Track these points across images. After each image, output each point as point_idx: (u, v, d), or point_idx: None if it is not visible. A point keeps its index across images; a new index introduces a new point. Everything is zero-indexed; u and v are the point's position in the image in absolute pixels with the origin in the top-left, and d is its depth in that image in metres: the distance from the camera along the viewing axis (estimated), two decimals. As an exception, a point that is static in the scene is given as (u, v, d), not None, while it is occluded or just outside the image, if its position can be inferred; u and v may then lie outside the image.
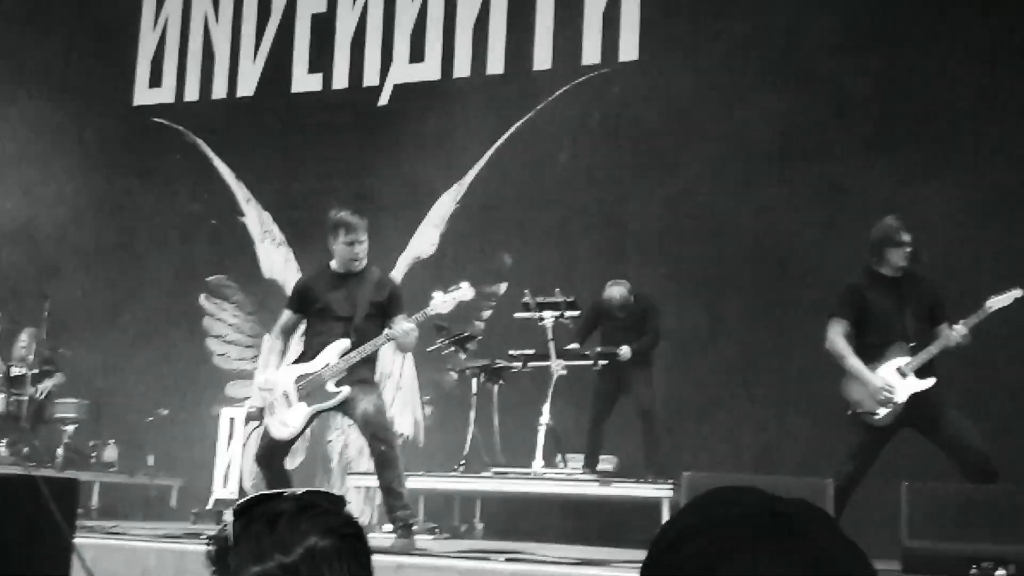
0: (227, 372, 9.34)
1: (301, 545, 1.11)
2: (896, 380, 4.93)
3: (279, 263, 9.32)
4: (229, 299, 9.48)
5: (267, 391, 5.25)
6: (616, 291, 6.97)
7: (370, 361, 5.24)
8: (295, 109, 9.38)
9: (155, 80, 10.17)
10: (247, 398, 8.89)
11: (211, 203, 9.65)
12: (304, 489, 1.19)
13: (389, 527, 5.43)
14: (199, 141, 9.80)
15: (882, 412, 4.92)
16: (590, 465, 6.87)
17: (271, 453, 5.25)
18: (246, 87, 9.76)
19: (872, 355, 5.01)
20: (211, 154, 9.73)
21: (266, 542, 1.11)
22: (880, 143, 7.16)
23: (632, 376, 6.94)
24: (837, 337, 5.10)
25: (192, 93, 10.00)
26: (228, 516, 1.13)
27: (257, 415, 8.17)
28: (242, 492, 7.82)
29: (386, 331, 5.08)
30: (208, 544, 1.18)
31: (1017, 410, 6.35)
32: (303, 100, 9.43)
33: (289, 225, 9.22)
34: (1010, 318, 5.12)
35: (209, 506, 7.78)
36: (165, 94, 10.11)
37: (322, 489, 1.21)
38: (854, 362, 5.01)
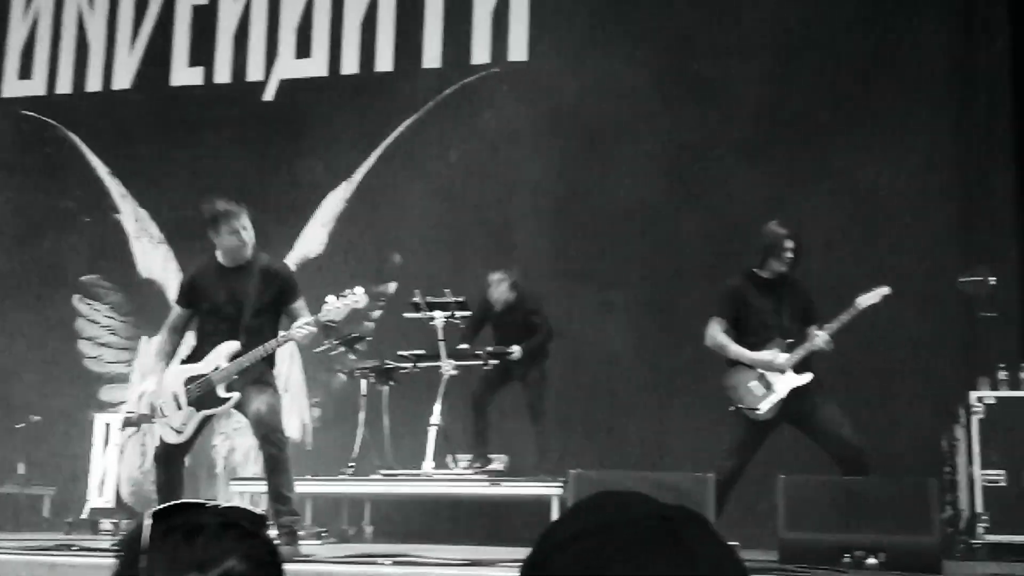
0: (101, 376, 9.05)
1: (219, 566, 1.08)
2: (775, 376, 5.15)
3: (157, 262, 9.09)
4: (103, 300, 9.20)
5: (155, 392, 5.08)
6: (499, 287, 7.05)
7: (267, 359, 5.08)
8: (175, 103, 9.16)
9: (25, 71, 9.81)
10: (122, 403, 8.71)
11: (84, 200, 9.34)
12: (228, 504, 1.17)
13: (274, 533, 5.36)
14: (72, 135, 9.47)
15: (764, 407, 5.12)
16: (478, 450, 6.84)
17: (169, 454, 5.09)
18: (122, 80, 9.48)
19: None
20: (85, 149, 9.42)
21: (183, 554, 1.08)
22: (762, 146, 7.44)
23: (522, 372, 6.99)
24: (717, 333, 5.30)
25: (65, 85, 9.68)
26: (147, 518, 1.08)
27: (135, 420, 7.94)
28: (119, 501, 7.62)
29: (283, 333, 4.95)
30: (119, 543, 1.16)
31: (889, 404, 6.72)
32: (183, 94, 9.22)
33: (168, 223, 8.98)
34: (880, 315, 5.41)
35: (84, 515, 7.57)
36: (36, 86, 9.76)
37: (244, 506, 1.19)
38: (736, 348, 5.21)
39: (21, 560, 4.72)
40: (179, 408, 4.99)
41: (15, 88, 9.82)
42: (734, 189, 7.27)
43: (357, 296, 4.96)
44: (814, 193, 6.98)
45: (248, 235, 5.03)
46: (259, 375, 5.02)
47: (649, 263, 7.58)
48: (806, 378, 5.15)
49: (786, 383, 5.13)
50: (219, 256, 5.13)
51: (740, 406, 5.16)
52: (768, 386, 5.18)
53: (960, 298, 6.38)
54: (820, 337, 5.15)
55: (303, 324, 4.88)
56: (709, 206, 7.41)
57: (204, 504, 1.13)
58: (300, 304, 5.06)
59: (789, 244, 5.37)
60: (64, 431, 8.37)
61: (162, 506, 1.12)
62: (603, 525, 0.87)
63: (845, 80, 7.47)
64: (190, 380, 5.01)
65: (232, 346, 4.95)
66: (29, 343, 8.94)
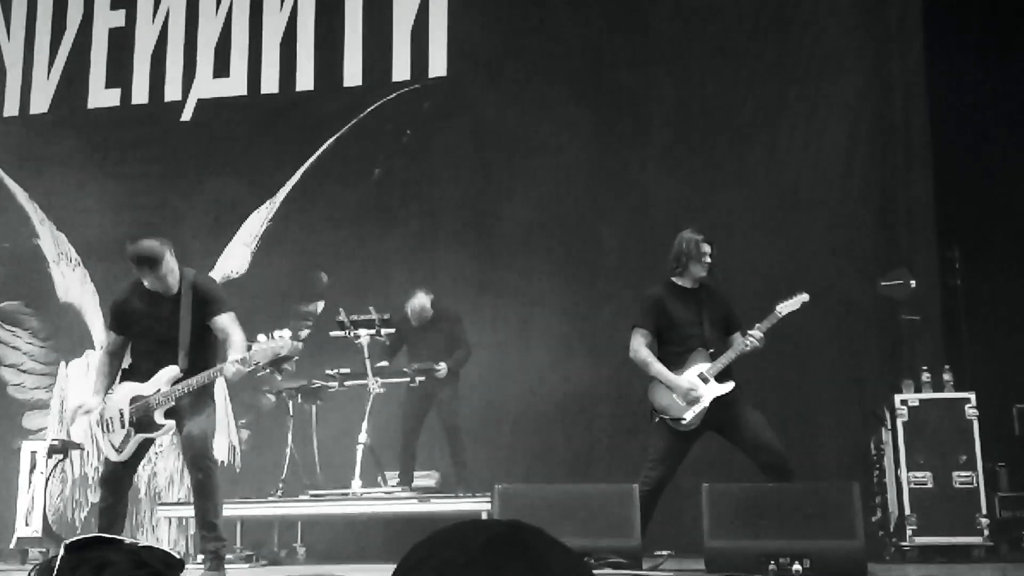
0: (24, 402, 8.65)
1: None
2: (699, 384, 4.98)
3: (75, 285, 8.73)
4: (23, 326, 8.82)
5: (94, 411, 4.83)
6: (416, 302, 6.89)
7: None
8: (92, 125, 8.81)
9: (-57, 97, 9.38)
10: (43, 429, 8.36)
11: (3, 225, 8.93)
12: (145, 544, 1.13)
13: (201, 557, 5.09)
14: (-11, 161, 9.08)
15: (688, 416, 4.94)
16: (406, 483, 6.71)
17: (114, 475, 4.83)
18: (40, 103, 9.12)
19: (675, 362, 5.03)
20: (2, 174, 9.02)
21: None
22: (679, 153, 7.31)
23: (439, 391, 6.83)
24: (640, 347, 5.11)
25: None
26: (61, 549, 1.07)
27: (60, 448, 7.59)
28: (47, 529, 7.28)
29: (219, 366, 4.71)
30: (31, 574, 1.13)
31: (814, 409, 6.59)
32: (100, 116, 8.88)
33: (85, 246, 8.61)
34: (802, 319, 5.27)
35: (11, 545, 7.20)
36: None
37: (163, 548, 1.11)
38: (659, 368, 5.03)
39: None
40: (122, 426, 4.79)
41: (-68, 114, 9.39)
42: (652, 197, 7.13)
43: (283, 343, 4.67)
44: (732, 198, 6.85)
45: (172, 279, 4.82)
46: (195, 397, 4.78)
47: (571, 274, 7.39)
48: (729, 387, 4.98)
49: (709, 392, 4.96)
50: (146, 282, 4.88)
51: (664, 416, 4.97)
52: (691, 400, 5.01)
53: (882, 301, 6.29)
54: (751, 336, 4.98)
55: (233, 362, 4.64)
56: (628, 215, 7.26)
57: (120, 541, 1.11)
58: (225, 320, 4.79)
59: (706, 249, 5.20)
60: (-10, 459, 7.96)
61: (77, 539, 1.10)
62: (453, 541, 0.93)
63: (760, 83, 7.32)
64: (133, 400, 4.79)
65: (173, 371, 4.74)
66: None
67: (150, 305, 4.85)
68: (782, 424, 5.34)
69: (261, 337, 4.72)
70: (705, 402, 4.94)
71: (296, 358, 7.01)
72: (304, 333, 7.91)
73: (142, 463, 7.52)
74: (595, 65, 7.56)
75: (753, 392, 5.21)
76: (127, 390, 4.85)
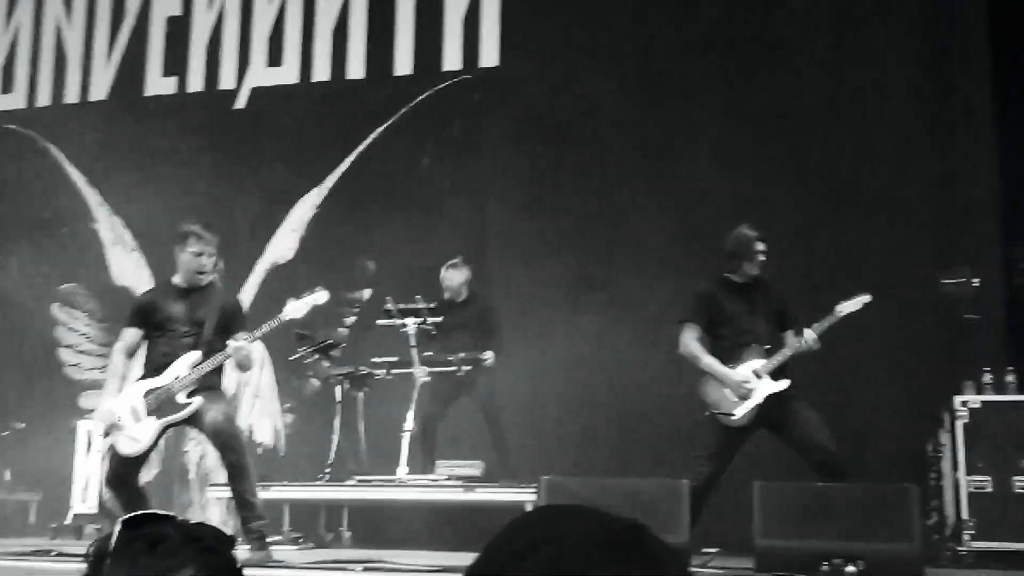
0: (80, 383, 8.73)
1: (176, 575, 1.06)
2: (752, 379, 4.81)
3: (130, 269, 8.76)
4: (81, 308, 8.89)
5: (109, 414, 4.81)
6: (458, 275, 6.77)
7: (217, 371, 4.93)
8: (149, 113, 8.82)
9: (6, 86, 9.50)
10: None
11: (63, 210, 8.99)
12: (196, 521, 1.15)
13: (244, 538, 5.07)
14: (50, 147, 9.13)
15: (740, 412, 4.78)
16: (424, 468, 6.48)
17: (122, 473, 4.84)
18: (99, 91, 9.16)
19: (728, 358, 4.89)
20: (63, 159, 9.08)
21: (142, 562, 1.06)
22: (733, 146, 7.08)
23: (475, 379, 6.66)
24: (690, 341, 4.97)
25: (44, 98, 9.36)
26: (116, 526, 1.08)
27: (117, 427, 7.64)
28: (102, 507, 7.35)
29: (228, 349, 4.75)
30: (89, 549, 1.13)
31: (871, 409, 6.32)
32: (157, 103, 8.89)
33: (141, 231, 8.63)
34: (860, 317, 5.06)
35: (68, 521, 7.31)
36: (17, 99, 9.44)
37: (212, 525, 1.16)
38: (710, 361, 4.87)
39: (1, 565, 4.66)
40: (137, 420, 4.77)
41: (-3, 102, 9.49)
42: (703, 191, 6.91)
43: (317, 294, 4.82)
44: (788, 194, 6.62)
45: (210, 263, 4.91)
46: (211, 384, 4.87)
47: (619, 267, 7.22)
48: (783, 384, 4.81)
49: (763, 389, 4.78)
50: (176, 278, 5.00)
51: (715, 412, 4.80)
52: (744, 392, 4.83)
53: (942, 300, 6.02)
54: (808, 335, 4.81)
55: (240, 338, 4.75)
56: (677, 208, 7.04)
57: (173, 517, 1.12)
58: (245, 336, 4.86)
59: (760, 247, 5.07)
60: (48, 438, 8.01)
61: (132, 515, 1.11)
62: (561, 533, 0.86)
63: (817, 75, 7.07)
64: (149, 392, 4.80)
65: (194, 356, 4.79)
66: (11, 352, 8.65)
67: (178, 302, 4.91)
68: (836, 423, 5.12)
69: (290, 300, 4.80)
70: (758, 398, 4.78)
71: (343, 344, 7.03)
72: (350, 320, 7.88)
73: (190, 445, 7.61)
74: (646, 56, 7.35)
75: (807, 389, 5.02)
76: (139, 387, 4.87)
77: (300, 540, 6.41)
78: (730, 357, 4.90)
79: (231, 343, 4.72)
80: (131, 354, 5.02)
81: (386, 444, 6.57)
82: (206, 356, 4.78)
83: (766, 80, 7.09)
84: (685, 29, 7.29)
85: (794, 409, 4.79)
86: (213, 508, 7.42)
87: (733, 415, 4.76)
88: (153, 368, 4.90)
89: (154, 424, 4.76)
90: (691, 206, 6.96)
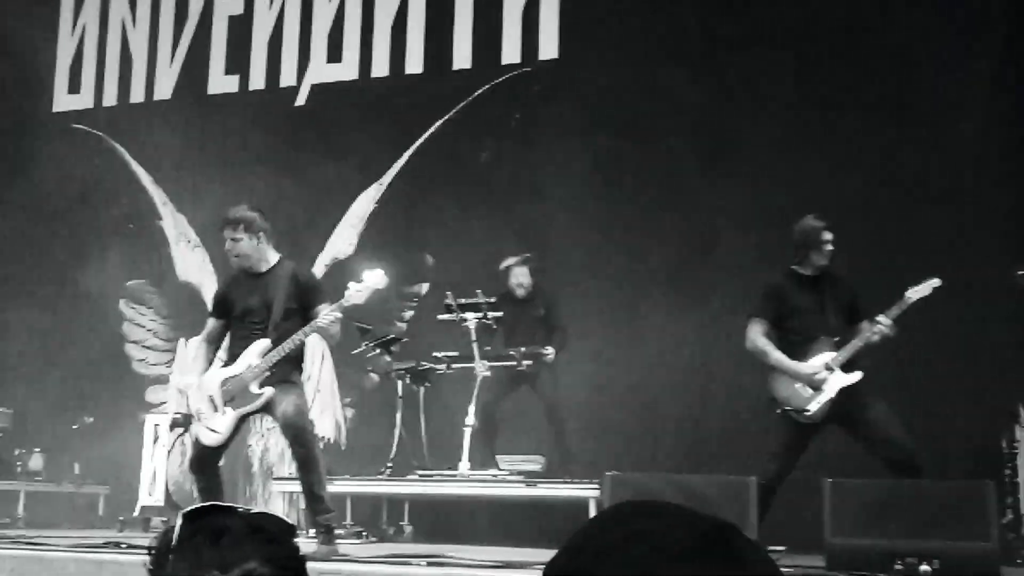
0: (146, 377, 8.90)
1: (240, 567, 1.06)
2: (824, 373, 4.70)
3: (194, 266, 8.91)
4: (148, 304, 9.06)
5: (188, 396, 4.96)
6: (515, 271, 6.75)
7: (293, 360, 4.92)
8: (212, 111, 8.94)
9: (74, 86, 9.70)
10: (164, 403, 8.58)
11: (129, 207, 9.18)
12: (258, 511, 1.14)
13: (312, 531, 5.10)
14: (117, 146, 9.32)
15: (813, 408, 4.66)
16: (484, 464, 6.46)
17: (203, 459, 4.92)
18: (163, 90, 9.33)
19: (797, 352, 4.78)
20: (129, 158, 9.26)
21: (206, 555, 1.07)
22: (796, 137, 6.94)
23: (537, 374, 6.62)
24: (757, 336, 4.87)
25: (110, 98, 9.56)
26: (179, 518, 1.08)
27: (182, 422, 7.76)
28: (168, 499, 7.47)
29: (311, 323, 4.74)
30: (152, 543, 1.14)
31: (944, 404, 6.14)
32: (220, 102, 9.00)
33: (204, 227, 8.73)
34: (933, 310, 4.92)
35: (135, 513, 7.44)
36: (84, 100, 9.65)
37: (276, 515, 1.15)
38: (778, 356, 4.77)
39: (70, 557, 4.70)
40: (215, 410, 4.83)
41: (65, 103, 9.74)
42: (769, 181, 6.77)
43: (376, 277, 4.77)
44: (856, 183, 6.45)
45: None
46: (285, 376, 4.85)
47: (683, 261, 7.11)
48: (855, 377, 4.68)
49: (835, 383, 4.66)
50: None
51: (787, 408, 4.70)
52: (816, 386, 4.72)
53: (1017, 293, 5.81)
54: (880, 324, 4.68)
55: (328, 311, 4.70)
56: (743, 200, 6.91)
57: (235, 508, 1.12)
58: (325, 307, 4.84)
59: (827, 237, 4.94)
60: (116, 432, 8.16)
61: (193, 507, 1.11)
62: (649, 532, 0.84)
63: (887, 64, 6.86)
64: (224, 382, 4.85)
65: (263, 343, 4.79)
66: (81, 347, 8.82)
67: (248, 287, 4.94)
68: (908, 418, 4.97)
69: (351, 284, 4.77)
70: (830, 392, 4.66)
71: (404, 339, 7.05)
72: (409, 315, 7.89)
73: (254, 439, 7.69)
74: (710, 45, 7.23)
75: (878, 384, 4.88)
76: (216, 375, 4.92)
77: (363, 534, 6.43)
78: (799, 351, 4.78)
79: (321, 316, 4.69)
80: (213, 342, 5.10)
81: (447, 439, 6.57)
82: (277, 341, 4.77)
83: (834, 68, 6.92)
84: (751, 17, 7.14)
85: (866, 403, 4.67)
86: (276, 501, 7.51)
87: (806, 411, 4.65)
88: (232, 357, 4.96)
89: (231, 414, 4.81)
90: (757, 198, 6.83)
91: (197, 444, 4.93)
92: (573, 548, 0.86)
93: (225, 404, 4.81)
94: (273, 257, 4.98)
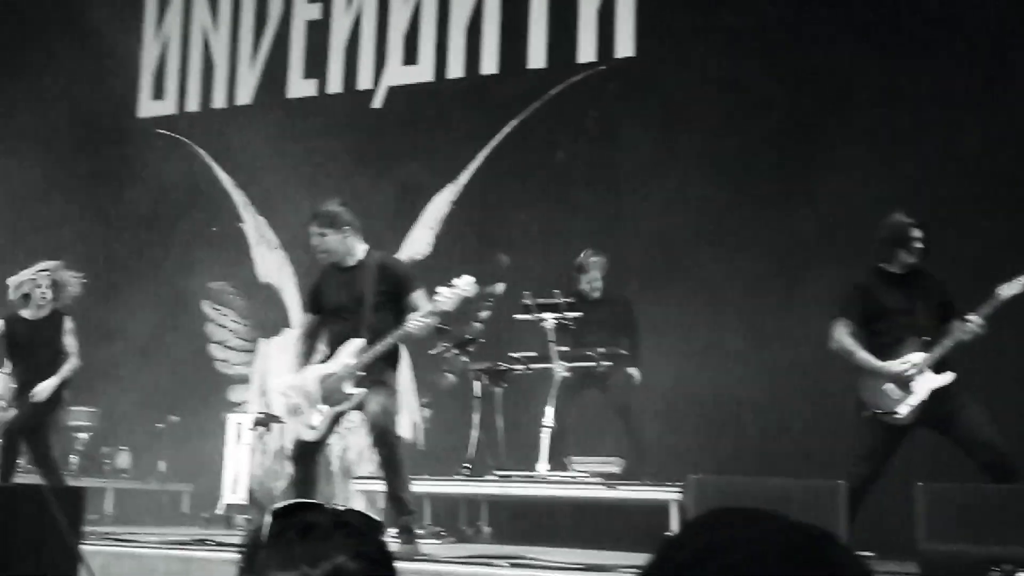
0: (229, 377, 9.13)
1: (329, 561, 1.07)
2: (914, 375, 4.58)
3: (274, 267, 9.11)
4: (229, 305, 9.29)
5: (287, 394, 5.01)
6: (591, 271, 6.76)
7: (388, 360, 4.95)
8: (291, 115, 9.11)
9: (158, 92, 9.99)
10: (244, 402, 8.79)
11: (212, 210, 9.42)
12: (344, 507, 1.18)
13: (394, 532, 5.16)
14: (200, 150, 9.57)
15: (903, 411, 4.55)
16: (561, 465, 6.43)
17: (302, 454, 5.03)
18: (244, 95, 9.55)
19: (886, 352, 4.66)
20: (211, 162, 9.51)
21: (295, 550, 1.08)
22: (883, 133, 6.78)
23: (610, 376, 6.59)
24: (843, 336, 4.76)
25: (193, 103, 9.82)
26: (267, 516, 1.10)
27: (264, 420, 7.92)
28: (251, 497, 7.61)
29: (403, 327, 4.77)
30: (242, 540, 1.17)
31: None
32: (298, 105, 9.18)
33: (284, 229, 8.95)
34: (1021, 308, 4.75)
35: (219, 511, 7.64)
36: (168, 106, 9.93)
37: (360, 510, 1.17)
38: (865, 357, 4.66)
39: (159, 554, 4.85)
40: (312, 407, 4.92)
41: (149, 109, 10.02)
42: (854, 179, 6.61)
43: (466, 284, 4.77)
44: (946, 179, 6.27)
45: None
46: (379, 376, 4.90)
47: (763, 259, 7.00)
48: (948, 378, 4.55)
49: (926, 384, 4.54)
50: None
51: (876, 411, 4.59)
52: (906, 387, 4.60)
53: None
54: (972, 322, 4.54)
55: (418, 317, 4.73)
56: (827, 198, 6.76)
57: (322, 505, 1.14)
58: (418, 294, 4.91)
59: (917, 234, 4.81)
60: (200, 431, 8.40)
61: (282, 504, 1.13)
62: (744, 538, 0.83)
63: (978, 57, 6.65)
64: (322, 379, 4.92)
65: (357, 343, 4.85)
66: (166, 348, 9.06)
67: (338, 282, 4.99)
68: (1002, 420, 4.82)
69: (441, 289, 4.77)
70: (921, 395, 4.54)
71: (481, 340, 7.08)
72: (485, 315, 7.91)
73: (332, 437, 7.81)
74: (792, 40, 7.10)
75: (972, 384, 4.74)
76: (313, 372, 4.98)
77: (442, 534, 6.47)
78: (888, 352, 4.67)
79: (411, 320, 4.73)
80: (309, 337, 5.18)
81: (524, 439, 6.58)
82: (371, 337, 4.82)
83: (923, 61, 6.73)
84: (836, 9, 7.00)
85: (960, 405, 4.54)
86: (356, 501, 7.61)
87: (896, 413, 4.54)
88: (329, 353, 5.02)
89: (327, 411, 4.89)
90: (844, 194, 6.67)
91: (296, 440, 5.03)
92: (665, 553, 0.86)
93: (321, 402, 4.89)
94: (360, 250, 5.03)
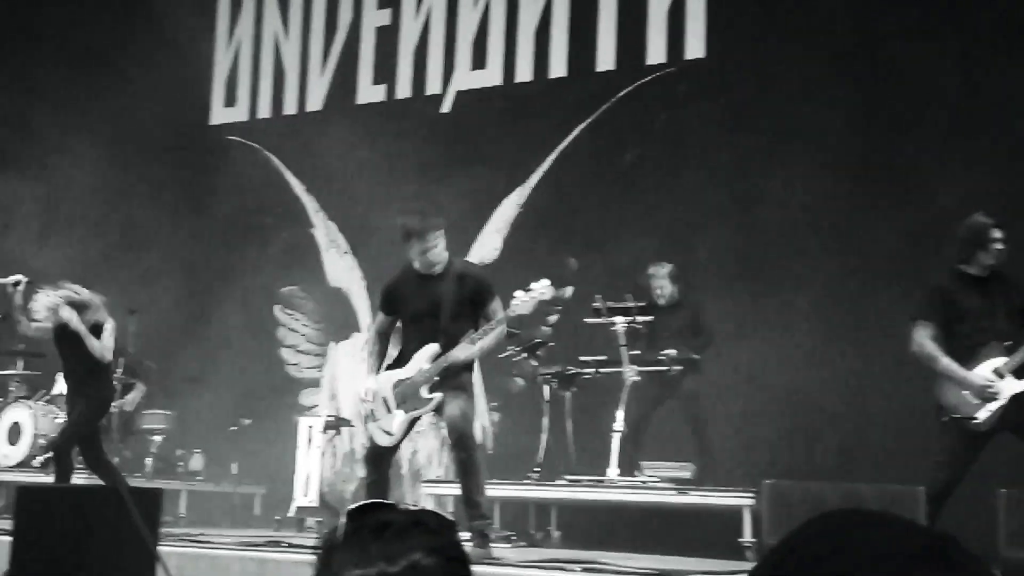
0: (300, 381, 9.27)
1: (406, 558, 1.08)
2: (995, 380, 4.50)
3: (343, 271, 9.24)
4: (300, 309, 9.43)
5: (364, 399, 5.06)
6: (662, 276, 6.76)
7: (467, 365, 4.99)
8: (360, 120, 9.20)
9: (230, 99, 10.20)
10: (315, 406, 8.91)
11: (283, 216, 9.58)
12: (419, 507, 1.18)
13: (466, 535, 5.22)
14: (271, 157, 9.75)
15: (983, 416, 4.47)
16: (627, 473, 6.43)
17: (376, 457, 5.09)
18: (315, 101, 9.70)
19: (965, 356, 4.58)
20: (283, 168, 9.68)
21: (372, 549, 1.08)
22: (957, 133, 6.65)
23: (681, 380, 6.59)
24: (925, 340, 4.68)
25: (264, 110, 10.01)
26: (342, 516, 1.11)
27: (335, 424, 8.06)
28: (322, 500, 7.72)
29: (478, 344, 4.83)
30: (317, 542, 1.18)
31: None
32: (368, 111, 9.30)
33: (353, 233, 9.08)
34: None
35: (291, 513, 7.72)
36: (240, 112, 10.14)
37: (433, 510, 1.19)
38: (948, 363, 4.58)
39: (234, 555, 4.96)
40: (388, 411, 4.97)
41: (222, 116, 10.24)
42: (931, 182, 6.50)
43: (543, 288, 4.79)
44: (1016, 180, 6.13)
45: (436, 254, 4.95)
46: (457, 380, 4.93)
47: (837, 262, 6.91)
48: (1030, 382, 4.48)
49: (1007, 389, 4.46)
50: (416, 264, 5.07)
51: (956, 416, 4.52)
52: (987, 396, 4.52)
53: None
54: None
55: (495, 326, 4.80)
56: (903, 199, 6.66)
57: (395, 505, 1.15)
58: (495, 305, 4.94)
59: (997, 235, 4.72)
60: (271, 434, 8.54)
61: (357, 504, 1.14)
62: (864, 541, 0.81)
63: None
64: (397, 384, 4.96)
65: (433, 348, 4.88)
66: (239, 352, 9.21)
67: (418, 288, 5.00)
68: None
69: (518, 293, 4.80)
70: (1002, 400, 4.46)
71: (551, 343, 7.11)
72: (554, 318, 7.93)
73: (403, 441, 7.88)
74: (865, 40, 6.99)
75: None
76: (388, 377, 5.02)
77: (512, 539, 6.49)
78: (968, 356, 4.60)
79: (480, 332, 4.79)
80: (382, 337, 5.23)
81: (594, 444, 6.59)
82: (447, 344, 4.86)
83: (1004, 63, 6.58)
84: (910, 7, 6.88)
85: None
86: (425, 504, 7.71)
87: (976, 419, 4.47)
88: (404, 356, 5.06)
89: (403, 416, 4.93)
90: (920, 197, 6.57)
91: (371, 444, 5.07)
92: (776, 558, 0.85)
93: (397, 407, 4.93)
94: (444, 257, 5.04)
